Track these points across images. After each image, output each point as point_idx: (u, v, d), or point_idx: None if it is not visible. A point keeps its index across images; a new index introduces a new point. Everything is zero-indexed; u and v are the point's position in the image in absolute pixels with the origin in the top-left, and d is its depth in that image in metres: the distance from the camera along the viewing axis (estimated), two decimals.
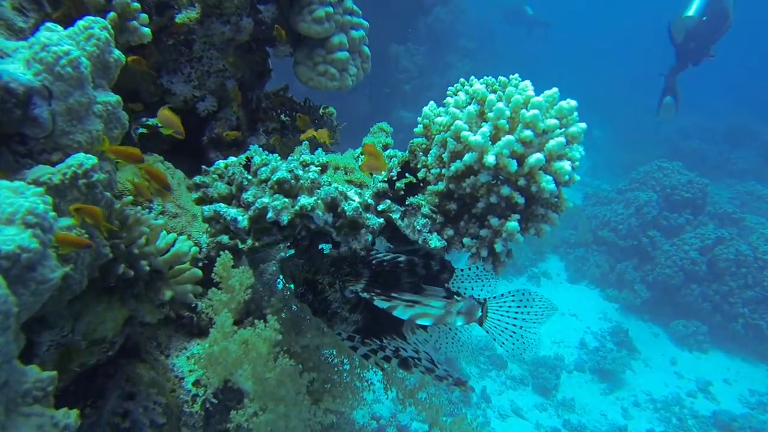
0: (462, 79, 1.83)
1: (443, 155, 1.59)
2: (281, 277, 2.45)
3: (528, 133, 1.42)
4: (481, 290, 1.91)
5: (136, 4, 2.21)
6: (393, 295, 1.68)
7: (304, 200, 1.40)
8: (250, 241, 1.93)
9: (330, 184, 1.49)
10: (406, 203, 1.62)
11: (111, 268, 1.76)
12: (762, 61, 26.63)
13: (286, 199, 1.42)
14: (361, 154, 2.10)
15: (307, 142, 1.75)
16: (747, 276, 8.52)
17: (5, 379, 1.00)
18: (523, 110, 1.45)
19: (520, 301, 1.79)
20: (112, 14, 2.11)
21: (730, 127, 15.75)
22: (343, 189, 1.50)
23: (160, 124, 2.35)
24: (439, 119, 1.65)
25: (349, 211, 1.46)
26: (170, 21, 2.64)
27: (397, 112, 11.10)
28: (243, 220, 1.44)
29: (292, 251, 1.82)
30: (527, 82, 1.58)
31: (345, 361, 2.28)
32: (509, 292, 1.81)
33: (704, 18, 7.34)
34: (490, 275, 1.93)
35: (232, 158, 1.63)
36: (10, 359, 1.00)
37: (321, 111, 3.25)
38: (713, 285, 8.68)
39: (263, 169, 1.48)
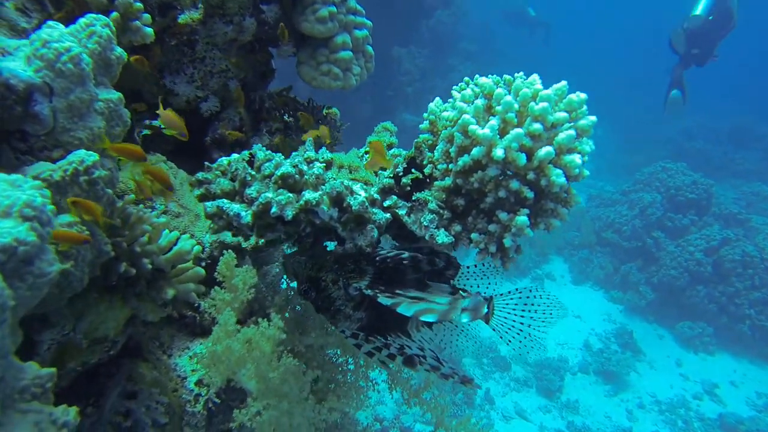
0: (467, 78, 1.81)
1: (450, 150, 1.57)
2: (285, 278, 2.43)
3: (537, 126, 1.40)
4: (487, 288, 1.88)
5: (139, 4, 2.20)
6: (397, 291, 1.66)
7: (309, 195, 1.38)
8: (253, 239, 1.90)
9: (335, 179, 1.46)
10: (413, 199, 1.60)
11: (113, 267, 1.74)
12: (766, 62, 26.58)
13: (291, 194, 1.40)
14: (366, 153, 2.08)
15: (311, 139, 1.73)
16: (754, 277, 8.45)
17: (1, 374, 0.98)
18: (532, 103, 1.43)
19: (528, 298, 1.76)
20: (114, 14, 2.11)
21: (734, 128, 15.68)
22: (348, 184, 1.47)
23: (162, 126, 2.34)
24: (445, 114, 1.62)
25: (355, 206, 1.43)
26: (173, 21, 2.63)
27: (399, 115, 11.09)
28: (246, 216, 1.42)
29: (296, 249, 1.80)
30: (535, 76, 1.55)
31: (350, 360, 2.26)
32: (516, 289, 1.78)
33: (710, 17, 7.31)
34: (495, 272, 1.90)
35: (235, 155, 1.61)
36: (6, 354, 0.98)
37: (324, 111, 3.23)
38: (719, 286, 8.62)
39: (267, 164, 1.46)
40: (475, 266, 1.88)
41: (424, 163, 1.72)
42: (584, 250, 10.22)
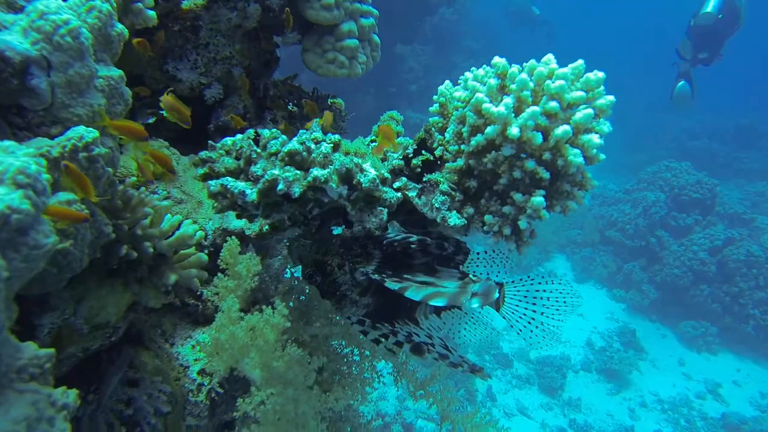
0: (474, 68, 1.76)
1: (462, 131, 1.52)
2: (288, 268, 2.38)
3: (553, 104, 1.34)
4: (495, 277, 1.82)
5: None
6: (405, 276, 1.60)
7: (318, 172, 1.32)
8: (257, 226, 1.85)
9: (344, 158, 1.41)
10: (424, 180, 1.55)
11: (113, 250, 1.69)
12: None
13: (298, 171, 1.35)
14: (372, 141, 2.03)
15: (317, 120, 1.68)
16: (758, 277, 8.42)
17: None
18: (548, 81, 1.38)
19: (539, 284, 1.70)
20: None
21: (739, 127, 15.61)
22: (358, 161, 1.42)
23: (165, 112, 2.29)
24: (457, 94, 1.57)
25: (365, 183, 1.38)
26: (176, 6, 2.59)
27: (403, 112, 10.95)
28: (252, 194, 1.37)
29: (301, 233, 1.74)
30: (550, 56, 1.50)
31: (355, 351, 2.21)
32: (529, 276, 1.72)
33: (719, 15, 7.26)
34: (504, 260, 1.84)
35: (239, 135, 1.56)
36: (1, 329, 0.93)
37: (329, 101, 3.18)
38: (723, 286, 8.58)
39: (273, 142, 1.40)
40: (485, 252, 1.83)
41: (434, 146, 1.67)
42: (587, 249, 10.18)
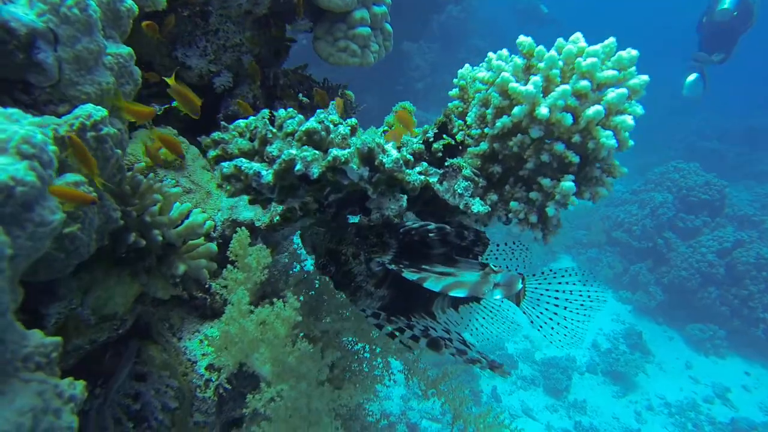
0: (490, 52, 1.69)
1: (487, 113, 1.45)
2: (296, 263, 2.31)
3: (585, 83, 1.27)
4: (515, 270, 1.75)
5: None
6: (423, 267, 1.53)
7: (338, 152, 1.25)
8: (266, 217, 1.78)
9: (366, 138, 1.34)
10: (446, 165, 1.47)
11: (122, 237, 1.63)
12: None
13: (317, 151, 1.28)
14: (385, 131, 1.96)
15: (334, 102, 1.61)
16: None
17: (0, 336, 0.86)
18: (579, 59, 1.31)
19: (562, 277, 1.62)
20: None
21: (749, 128, 15.46)
22: (380, 141, 1.35)
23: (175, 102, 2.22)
24: (480, 75, 1.50)
25: (388, 163, 1.31)
26: None
27: None
28: (267, 175, 1.30)
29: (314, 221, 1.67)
30: (578, 34, 1.43)
31: (366, 348, 2.14)
32: (551, 270, 1.65)
33: (735, 13, 7.19)
34: (524, 252, 1.76)
35: (253, 117, 1.49)
36: (5, 312, 0.86)
37: (339, 92, 3.11)
38: (732, 289, 8.47)
39: (290, 121, 1.34)
40: (506, 244, 1.76)
41: (455, 131, 1.60)
42: (593, 249, 10.09)
